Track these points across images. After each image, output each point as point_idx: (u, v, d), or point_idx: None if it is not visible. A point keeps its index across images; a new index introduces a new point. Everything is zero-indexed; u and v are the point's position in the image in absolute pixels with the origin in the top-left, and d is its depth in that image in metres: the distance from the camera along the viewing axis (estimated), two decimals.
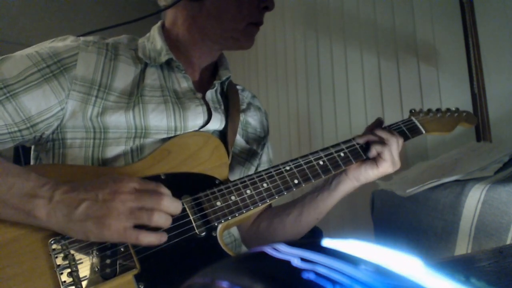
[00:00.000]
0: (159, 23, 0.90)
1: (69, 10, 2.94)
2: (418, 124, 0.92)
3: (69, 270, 0.59)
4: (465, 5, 1.31)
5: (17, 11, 2.79)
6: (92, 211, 0.57)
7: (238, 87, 0.99)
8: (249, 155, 0.95)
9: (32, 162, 0.82)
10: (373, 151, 0.82)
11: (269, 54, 2.38)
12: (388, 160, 0.81)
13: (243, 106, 0.98)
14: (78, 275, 0.58)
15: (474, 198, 0.81)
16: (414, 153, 1.47)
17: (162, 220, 0.60)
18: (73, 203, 0.57)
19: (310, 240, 0.29)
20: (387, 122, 0.91)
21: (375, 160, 0.82)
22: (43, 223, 0.58)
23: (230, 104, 0.91)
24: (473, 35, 1.29)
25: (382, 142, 0.82)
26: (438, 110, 0.98)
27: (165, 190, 0.63)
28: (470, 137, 1.29)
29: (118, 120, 0.74)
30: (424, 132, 0.91)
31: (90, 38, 0.79)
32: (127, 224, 0.57)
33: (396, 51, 1.57)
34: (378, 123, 0.90)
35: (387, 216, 1.04)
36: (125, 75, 0.78)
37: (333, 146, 0.83)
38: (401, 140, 0.84)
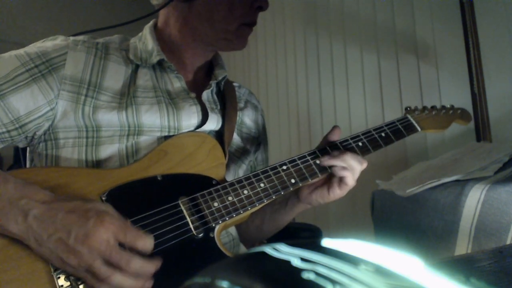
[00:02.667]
0: (151, 23, 0.89)
1: (69, 10, 2.94)
2: (414, 122, 0.91)
3: (66, 273, 0.58)
4: (465, 5, 1.31)
5: (17, 11, 2.79)
6: (59, 250, 0.55)
7: (235, 84, 0.98)
8: (242, 153, 0.95)
9: (28, 164, 0.81)
10: (337, 174, 0.79)
11: (269, 53, 2.38)
12: (345, 190, 0.81)
13: (241, 104, 0.97)
14: (75, 278, 0.58)
15: (474, 198, 0.81)
16: (414, 153, 1.47)
17: (125, 283, 0.56)
18: (45, 230, 0.56)
19: (310, 240, 0.29)
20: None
21: (327, 187, 0.81)
22: (16, 237, 0.58)
23: (227, 103, 0.90)
24: (473, 35, 1.29)
25: (346, 169, 0.78)
26: (433, 107, 0.98)
27: (144, 245, 0.58)
28: (470, 137, 1.29)
29: (111, 119, 0.74)
30: (419, 129, 0.91)
31: (80, 37, 0.78)
32: (86, 273, 0.56)
33: (396, 51, 1.57)
34: (334, 135, 0.85)
35: (387, 216, 1.04)
36: (115, 74, 0.77)
37: (330, 146, 0.83)
38: (364, 164, 0.81)
